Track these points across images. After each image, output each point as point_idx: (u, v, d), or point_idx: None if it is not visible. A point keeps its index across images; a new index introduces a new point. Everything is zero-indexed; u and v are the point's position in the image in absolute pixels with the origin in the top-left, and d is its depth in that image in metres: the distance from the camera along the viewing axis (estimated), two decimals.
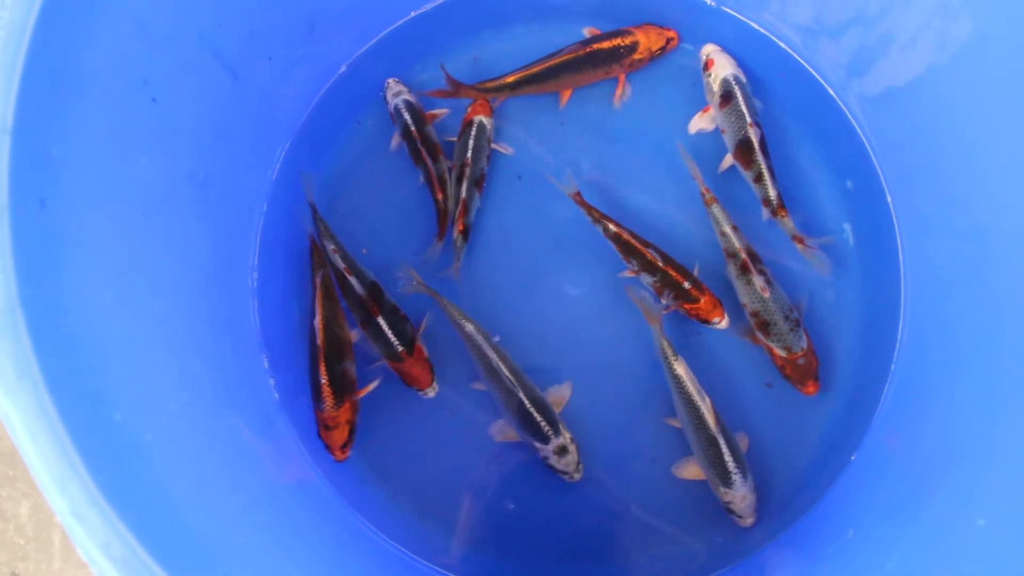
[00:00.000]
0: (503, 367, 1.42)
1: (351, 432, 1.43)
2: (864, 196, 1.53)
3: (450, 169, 1.57)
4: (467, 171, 1.54)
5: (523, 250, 1.57)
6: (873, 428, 1.44)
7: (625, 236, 1.48)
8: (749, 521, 1.41)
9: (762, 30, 1.58)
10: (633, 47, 1.56)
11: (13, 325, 0.85)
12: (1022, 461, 1.07)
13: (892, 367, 1.46)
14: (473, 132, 1.56)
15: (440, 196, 1.55)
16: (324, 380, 1.40)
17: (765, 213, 1.49)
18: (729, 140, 1.52)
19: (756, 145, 1.48)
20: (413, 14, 1.63)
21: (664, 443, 1.48)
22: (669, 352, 1.42)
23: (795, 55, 1.57)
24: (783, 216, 1.48)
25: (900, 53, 1.37)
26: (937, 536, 1.14)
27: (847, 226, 1.55)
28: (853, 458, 1.44)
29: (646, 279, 1.48)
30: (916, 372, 1.42)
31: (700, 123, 1.58)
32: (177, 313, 1.21)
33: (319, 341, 1.41)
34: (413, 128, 1.57)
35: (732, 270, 1.46)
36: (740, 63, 1.56)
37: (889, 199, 1.50)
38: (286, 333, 1.50)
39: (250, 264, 1.51)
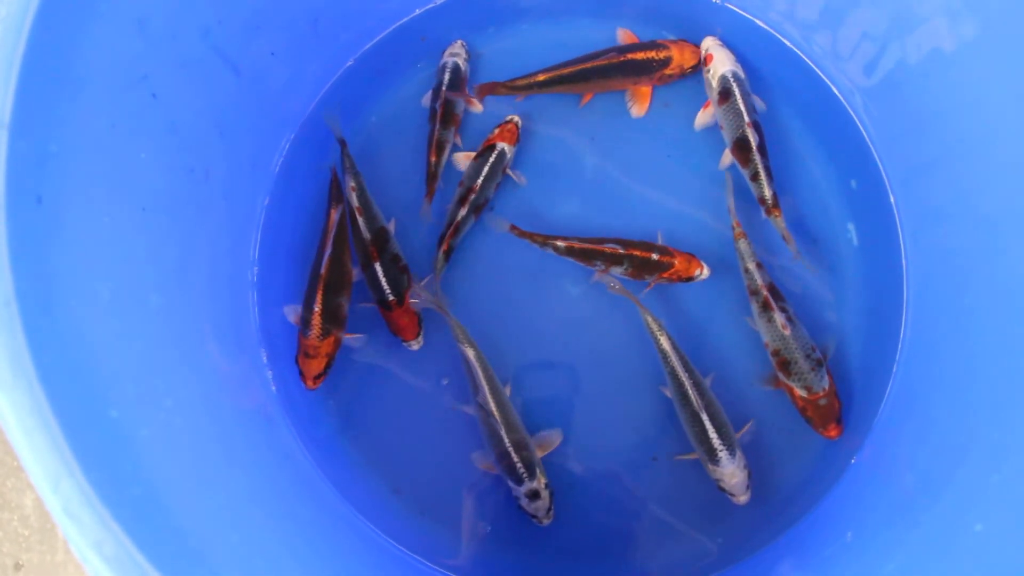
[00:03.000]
0: (491, 401, 1.41)
1: (327, 366, 1.45)
2: (868, 196, 1.52)
3: (455, 145, 1.58)
4: (471, 196, 1.52)
5: (525, 248, 1.55)
6: (874, 431, 1.44)
7: (577, 245, 1.49)
8: (743, 499, 1.41)
9: (766, 27, 1.58)
10: (666, 62, 1.56)
11: (8, 321, 0.85)
12: (1020, 467, 1.07)
13: (894, 369, 1.46)
14: (491, 159, 1.53)
15: (434, 159, 1.55)
16: (317, 308, 1.42)
17: (762, 211, 1.49)
18: (727, 137, 1.51)
19: (753, 144, 1.47)
20: (418, 11, 1.63)
21: (666, 441, 1.48)
22: (655, 327, 1.43)
23: (799, 52, 1.57)
24: (776, 215, 1.47)
25: (903, 51, 1.36)
26: (935, 541, 1.13)
27: (851, 226, 1.54)
28: (853, 461, 1.44)
29: (617, 271, 1.49)
30: (918, 374, 1.41)
31: (704, 119, 1.57)
32: (175, 308, 1.21)
33: (323, 270, 1.43)
34: (444, 88, 1.57)
35: (754, 308, 1.45)
36: (742, 59, 1.55)
37: (892, 199, 1.49)
38: (286, 327, 1.50)
39: (251, 258, 1.52)
